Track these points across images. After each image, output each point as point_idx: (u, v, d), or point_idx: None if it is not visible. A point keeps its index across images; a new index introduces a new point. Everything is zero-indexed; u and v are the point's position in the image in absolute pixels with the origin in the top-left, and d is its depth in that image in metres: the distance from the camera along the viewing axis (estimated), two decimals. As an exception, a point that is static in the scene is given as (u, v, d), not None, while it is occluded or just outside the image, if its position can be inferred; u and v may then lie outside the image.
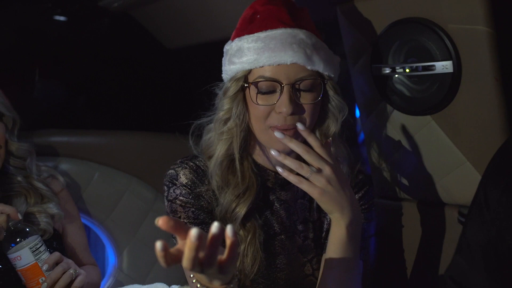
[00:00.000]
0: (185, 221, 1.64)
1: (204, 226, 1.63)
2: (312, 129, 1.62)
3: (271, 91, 1.55)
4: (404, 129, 1.95)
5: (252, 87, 1.56)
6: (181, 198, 1.64)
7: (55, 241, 1.94)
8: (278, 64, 1.52)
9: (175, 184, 1.66)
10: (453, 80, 1.72)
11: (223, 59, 1.68)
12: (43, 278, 1.71)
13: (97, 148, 2.62)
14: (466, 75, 1.70)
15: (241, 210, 1.60)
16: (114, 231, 2.61)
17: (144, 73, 3.07)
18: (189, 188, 1.64)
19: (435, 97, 1.78)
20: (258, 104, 1.56)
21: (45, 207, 1.95)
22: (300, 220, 1.71)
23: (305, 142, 1.62)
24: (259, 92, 1.55)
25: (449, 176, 1.87)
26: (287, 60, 1.51)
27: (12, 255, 1.71)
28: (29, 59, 2.84)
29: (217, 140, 1.64)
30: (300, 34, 1.56)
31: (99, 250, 2.80)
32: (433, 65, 1.74)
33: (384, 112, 1.99)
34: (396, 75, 1.87)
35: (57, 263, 1.75)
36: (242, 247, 1.62)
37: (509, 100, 1.67)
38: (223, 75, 1.68)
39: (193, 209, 1.64)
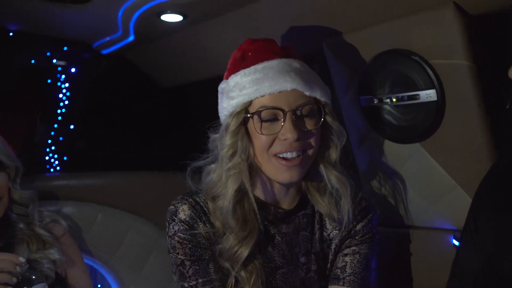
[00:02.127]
0: (182, 257, 1.64)
1: (201, 263, 1.64)
2: (315, 158, 1.64)
3: (274, 120, 1.57)
4: (395, 158, 1.98)
5: (255, 118, 1.58)
6: (179, 234, 1.64)
7: (58, 286, 1.96)
8: (279, 92, 1.55)
9: (174, 220, 1.66)
10: (437, 108, 1.75)
11: (219, 98, 1.70)
12: None
13: (99, 190, 2.65)
14: (450, 102, 1.74)
15: (243, 253, 1.59)
16: (119, 270, 2.63)
17: (143, 113, 3.11)
18: (187, 225, 1.65)
19: (422, 125, 1.81)
20: (262, 134, 1.57)
21: (47, 253, 1.97)
22: (302, 252, 1.70)
23: (310, 170, 1.66)
24: (263, 121, 1.57)
25: (441, 201, 1.90)
26: (288, 87, 1.55)
27: None
28: (30, 103, 2.90)
29: (226, 178, 1.62)
30: (295, 63, 1.62)
31: (105, 291, 2.83)
32: (418, 94, 1.78)
33: (374, 142, 2.02)
34: (384, 105, 1.90)
35: None
36: None
37: (494, 125, 1.70)
38: (220, 114, 1.70)
39: (190, 245, 1.64)
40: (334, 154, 1.66)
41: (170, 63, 2.88)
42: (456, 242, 1.84)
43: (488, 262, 1.40)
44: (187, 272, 1.63)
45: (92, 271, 2.52)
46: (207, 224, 1.66)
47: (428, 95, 1.75)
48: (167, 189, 2.65)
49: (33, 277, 1.76)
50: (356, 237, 1.72)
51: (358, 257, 1.70)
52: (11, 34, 2.74)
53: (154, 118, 3.13)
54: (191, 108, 3.11)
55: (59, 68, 2.93)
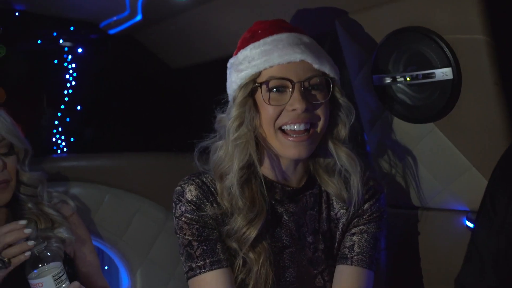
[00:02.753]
0: (190, 238, 1.64)
1: (208, 243, 1.63)
2: (323, 136, 1.63)
3: (282, 91, 1.57)
4: (408, 138, 1.96)
5: (264, 87, 1.58)
6: (186, 215, 1.64)
7: (67, 266, 1.95)
8: (288, 62, 1.55)
9: (181, 201, 1.66)
10: (453, 87, 1.72)
11: (227, 74, 1.70)
12: None
13: (106, 171, 2.64)
14: (466, 81, 1.70)
15: (252, 234, 1.59)
16: (126, 252, 2.63)
17: (151, 94, 3.09)
18: (194, 205, 1.64)
19: (436, 104, 1.78)
20: (270, 104, 1.57)
21: (56, 232, 1.97)
22: (309, 231, 1.70)
23: (318, 151, 1.65)
24: (271, 91, 1.57)
25: (455, 182, 1.87)
26: (297, 58, 1.55)
27: (34, 281, 1.70)
28: (36, 84, 2.88)
29: (232, 149, 1.61)
30: (304, 37, 1.64)
31: (113, 272, 2.82)
32: (433, 73, 1.75)
33: (387, 122, 1.99)
34: (397, 84, 1.88)
35: None
36: (255, 269, 1.61)
37: (510, 104, 1.67)
38: (228, 89, 1.69)
39: (197, 226, 1.63)
40: (343, 131, 1.66)
41: (179, 44, 2.85)
42: (469, 224, 1.82)
43: (509, 244, 1.37)
44: (195, 252, 1.62)
45: (99, 253, 2.50)
46: (214, 205, 1.65)
47: (444, 73, 1.72)
48: (175, 171, 2.64)
49: (49, 254, 1.75)
50: (364, 216, 1.71)
51: (366, 236, 1.70)
52: (17, 14, 2.71)
53: (163, 99, 3.10)
54: (201, 89, 3.08)
55: (66, 49, 2.91)
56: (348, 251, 1.69)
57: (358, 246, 1.68)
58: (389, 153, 2.05)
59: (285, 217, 1.68)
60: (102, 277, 2.23)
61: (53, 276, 1.70)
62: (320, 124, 1.60)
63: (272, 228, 1.66)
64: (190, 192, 1.65)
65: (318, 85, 1.59)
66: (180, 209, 1.65)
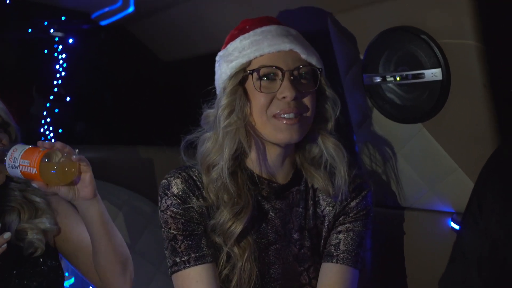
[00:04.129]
0: (175, 232, 1.64)
1: (193, 238, 1.63)
2: (310, 127, 1.64)
3: (272, 79, 1.60)
4: (396, 138, 1.96)
5: (255, 75, 1.60)
6: (171, 209, 1.64)
7: (49, 259, 1.92)
8: (278, 51, 1.59)
9: (167, 195, 1.65)
10: (442, 88, 1.72)
11: (216, 67, 1.71)
12: (42, 149, 1.67)
13: (94, 163, 2.56)
14: (455, 82, 1.71)
15: (237, 228, 1.59)
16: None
17: (141, 86, 3.07)
18: (179, 199, 1.64)
19: (425, 105, 1.79)
20: (261, 91, 1.59)
21: (37, 222, 1.93)
22: (295, 228, 1.70)
23: (304, 143, 1.67)
24: (261, 79, 1.60)
25: (441, 183, 1.88)
26: (286, 47, 1.59)
27: (8, 154, 1.69)
28: (26, 74, 2.85)
29: (222, 137, 1.61)
30: (291, 30, 1.68)
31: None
32: (423, 73, 1.75)
33: (376, 121, 1.99)
34: (387, 84, 1.88)
35: None
36: (239, 264, 1.61)
37: (499, 107, 1.67)
38: (216, 82, 1.70)
39: (183, 220, 1.63)
40: (329, 122, 1.68)
41: (171, 37, 2.84)
42: (454, 225, 1.83)
43: (494, 247, 1.37)
44: (180, 247, 1.62)
45: (85, 245, 2.48)
46: (200, 199, 1.65)
47: (434, 74, 1.72)
48: (163, 165, 2.65)
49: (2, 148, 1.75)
50: (350, 214, 1.72)
51: (351, 234, 1.70)
52: (8, 1, 2.68)
53: (152, 92, 3.09)
54: (191, 83, 3.07)
55: (57, 39, 2.88)
56: (334, 249, 1.69)
57: (344, 244, 1.69)
58: (376, 153, 2.05)
59: (271, 213, 1.68)
60: None
61: (23, 143, 1.72)
62: (308, 113, 1.62)
63: (258, 224, 1.66)
64: (176, 186, 1.65)
65: (306, 75, 1.63)
66: (165, 202, 1.65)
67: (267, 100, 1.59)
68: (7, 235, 1.71)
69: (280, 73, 1.59)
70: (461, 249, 1.49)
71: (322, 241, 1.73)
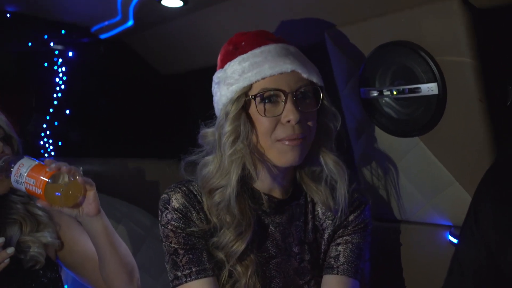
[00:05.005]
0: (176, 246, 1.63)
1: (194, 252, 1.63)
2: (311, 143, 1.63)
3: (274, 101, 1.57)
4: (393, 151, 1.97)
5: (258, 100, 1.57)
6: (172, 223, 1.63)
7: (49, 271, 1.93)
8: (280, 73, 1.56)
9: (167, 209, 1.65)
10: (438, 102, 1.73)
11: (214, 89, 1.69)
12: (50, 167, 1.69)
13: (93, 176, 2.59)
14: (451, 96, 1.72)
15: (240, 247, 1.60)
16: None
17: (140, 100, 3.08)
18: (180, 213, 1.63)
19: (422, 118, 1.80)
20: (265, 116, 1.56)
21: (39, 236, 1.94)
22: (295, 242, 1.70)
23: (309, 153, 1.65)
24: (265, 103, 1.57)
25: (439, 197, 1.88)
26: (288, 68, 1.56)
27: (14, 169, 1.70)
28: (26, 87, 2.87)
29: (229, 164, 1.60)
30: (291, 48, 1.65)
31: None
32: (419, 87, 1.76)
33: (373, 135, 2.00)
34: (384, 98, 1.89)
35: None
36: (243, 281, 1.62)
37: (494, 120, 1.68)
38: (216, 104, 1.68)
39: (184, 234, 1.63)
40: (330, 138, 1.67)
41: (170, 50, 2.85)
42: (452, 239, 1.83)
43: (489, 256, 1.38)
44: (181, 261, 1.62)
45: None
46: (200, 213, 1.65)
47: (430, 88, 1.73)
48: (162, 178, 2.66)
49: (11, 159, 1.76)
50: (349, 227, 1.72)
51: (350, 246, 1.71)
52: (8, 15, 2.70)
53: (152, 105, 3.10)
54: (190, 96, 3.08)
55: (57, 52, 2.89)
56: (334, 261, 1.70)
57: (343, 255, 1.69)
58: (374, 166, 2.06)
59: (271, 227, 1.68)
60: None
61: (29, 157, 1.73)
62: (311, 133, 1.61)
63: (258, 238, 1.66)
64: (177, 200, 1.64)
65: (308, 93, 1.60)
66: (166, 216, 1.65)
67: (272, 124, 1.57)
68: (10, 250, 1.72)
69: (282, 95, 1.56)
70: (458, 261, 1.49)
71: (322, 254, 1.73)
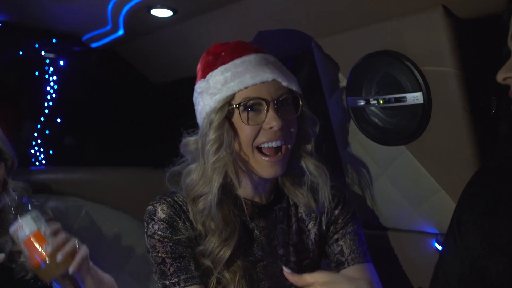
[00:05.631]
0: (163, 255, 1.65)
1: (182, 260, 1.64)
2: (292, 149, 1.67)
3: (257, 109, 1.61)
4: (380, 159, 1.98)
5: (241, 109, 1.61)
6: (159, 233, 1.65)
7: (40, 281, 1.93)
8: (261, 82, 1.60)
9: (153, 220, 1.67)
10: (424, 111, 1.75)
11: (196, 99, 1.72)
12: (47, 244, 1.68)
13: (84, 185, 2.63)
14: (436, 105, 1.73)
15: (225, 254, 1.62)
16: (102, 267, 2.59)
17: (131, 108, 3.09)
18: (166, 223, 1.65)
19: (408, 127, 1.81)
20: (248, 124, 1.60)
21: None
22: (280, 244, 1.73)
23: (290, 158, 1.68)
24: (248, 111, 1.61)
25: (425, 205, 1.90)
26: (269, 77, 1.60)
27: (14, 226, 1.70)
28: (16, 95, 2.87)
29: (211, 171, 1.62)
30: (270, 57, 1.69)
31: None
32: (404, 97, 1.78)
33: (361, 143, 2.01)
34: (371, 107, 1.90)
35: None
36: (231, 287, 1.64)
37: (479, 129, 1.70)
38: (199, 113, 1.71)
39: (171, 243, 1.65)
40: (310, 143, 1.71)
41: (160, 59, 2.86)
42: (438, 246, 1.85)
43: (473, 265, 1.39)
44: (169, 270, 1.64)
45: (74, 266, 2.48)
46: (186, 223, 1.67)
47: (415, 97, 1.75)
48: (153, 186, 2.60)
49: (29, 204, 1.77)
50: (339, 221, 1.78)
51: (349, 236, 1.77)
52: (-1, 24, 2.71)
53: (142, 114, 3.10)
54: (180, 105, 3.08)
55: (48, 61, 2.89)
56: (341, 256, 1.76)
57: (346, 247, 1.75)
58: (361, 174, 2.07)
59: (256, 232, 1.71)
60: None
61: (33, 217, 1.71)
62: (291, 140, 1.65)
63: (244, 244, 1.69)
64: (163, 211, 1.67)
65: (288, 102, 1.64)
66: (152, 227, 1.67)
67: (254, 131, 1.61)
68: (1, 256, 1.72)
69: (264, 103, 1.60)
70: (442, 269, 1.51)
71: (311, 254, 1.77)
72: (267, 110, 1.59)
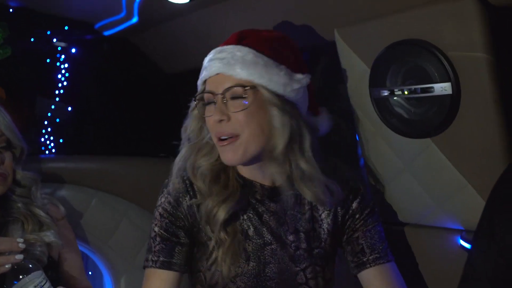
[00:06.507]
0: (157, 231, 1.73)
1: (169, 243, 1.72)
2: (283, 150, 1.64)
3: (212, 103, 1.65)
4: (404, 153, 1.92)
5: (197, 101, 1.71)
6: (163, 206, 1.75)
7: (50, 270, 1.90)
8: (209, 77, 1.65)
9: (163, 192, 1.77)
10: (452, 102, 1.69)
11: None
12: None
13: (95, 174, 2.60)
14: (466, 96, 1.67)
15: (221, 214, 1.66)
16: (111, 258, 2.58)
17: (143, 98, 3.05)
18: (172, 198, 1.74)
19: (434, 119, 1.75)
20: (205, 116, 1.67)
21: (42, 235, 1.92)
22: (290, 230, 1.74)
23: (284, 155, 1.66)
24: (203, 104, 1.69)
25: (450, 200, 1.84)
26: (213, 72, 1.64)
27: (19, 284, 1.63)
28: (27, 83, 2.83)
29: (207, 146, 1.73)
30: (243, 50, 1.64)
31: (96, 278, 2.77)
32: (432, 87, 1.72)
33: (384, 136, 1.96)
34: (395, 98, 1.85)
35: None
36: (220, 250, 1.68)
37: (510, 122, 1.64)
38: None
39: (167, 220, 1.73)
40: (280, 142, 1.64)
41: (174, 49, 2.82)
42: (463, 243, 1.79)
43: (509, 266, 1.34)
44: (155, 247, 1.73)
45: (83, 257, 2.45)
46: (193, 199, 1.72)
47: (443, 88, 1.69)
48: (165, 177, 2.60)
49: (30, 265, 1.67)
50: (356, 216, 1.77)
51: (369, 234, 1.76)
52: (11, 10, 2.67)
53: (155, 104, 3.06)
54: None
55: (59, 48, 2.86)
56: (362, 255, 1.74)
57: (367, 247, 1.74)
58: (383, 168, 2.02)
59: (265, 216, 1.73)
60: (86, 278, 2.18)
61: (35, 286, 1.64)
62: (243, 131, 1.61)
63: (254, 224, 1.73)
64: (173, 185, 1.74)
65: (237, 95, 1.61)
66: (160, 199, 1.77)
67: (210, 123, 1.65)
68: (19, 256, 1.66)
69: (214, 97, 1.64)
70: (473, 270, 1.46)
71: (323, 243, 1.76)
72: (215, 103, 1.63)
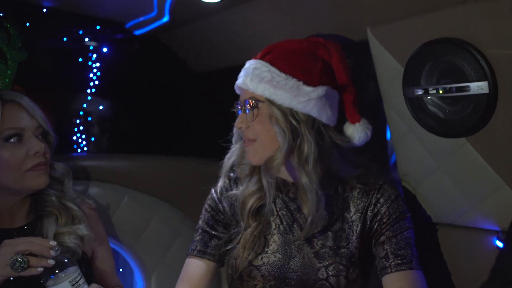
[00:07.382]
0: (201, 224, 1.94)
1: (206, 235, 1.92)
2: (267, 150, 1.77)
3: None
4: (438, 152, 1.90)
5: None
6: (208, 202, 1.96)
7: (84, 266, 1.92)
8: (238, 86, 1.82)
9: (211, 189, 1.97)
10: (488, 101, 1.66)
11: None
12: None
13: (126, 172, 2.62)
14: (503, 96, 1.64)
15: (250, 202, 1.83)
16: (142, 255, 2.60)
17: (173, 97, 3.07)
18: (217, 194, 1.94)
19: (470, 119, 1.72)
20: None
21: (75, 228, 1.94)
22: (318, 228, 1.81)
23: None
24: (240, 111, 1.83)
25: (486, 200, 1.81)
26: (239, 83, 1.81)
27: (51, 281, 1.65)
28: (60, 82, 2.87)
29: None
30: (258, 64, 1.77)
31: (127, 275, 2.79)
32: (468, 86, 1.69)
33: (417, 135, 1.94)
34: (429, 97, 1.82)
35: None
36: (245, 234, 1.84)
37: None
38: None
39: (209, 215, 1.94)
40: (279, 155, 1.74)
41: (204, 48, 2.83)
42: (499, 244, 1.76)
43: None
44: (196, 237, 1.94)
45: (114, 255, 2.47)
46: (233, 191, 1.93)
47: (480, 87, 1.66)
48: (194, 176, 2.62)
49: (66, 260, 1.69)
50: (384, 220, 1.79)
51: (394, 240, 1.76)
52: (44, 10, 2.71)
53: (185, 103, 3.08)
54: (223, 95, 3.05)
55: (91, 47, 2.89)
56: (385, 260, 1.75)
57: (391, 252, 1.75)
58: (417, 168, 2.00)
59: (296, 213, 1.84)
60: (117, 278, 2.19)
61: (70, 282, 1.64)
62: (254, 136, 1.77)
63: (284, 221, 1.85)
64: (221, 182, 1.96)
65: (249, 107, 1.76)
66: (209, 195, 1.97)
67: (236, 127, 1.85)
68: (51, 261, 1.65)
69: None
70: (503, 269, 1.43)
71: (350, 244, 1.80)
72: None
